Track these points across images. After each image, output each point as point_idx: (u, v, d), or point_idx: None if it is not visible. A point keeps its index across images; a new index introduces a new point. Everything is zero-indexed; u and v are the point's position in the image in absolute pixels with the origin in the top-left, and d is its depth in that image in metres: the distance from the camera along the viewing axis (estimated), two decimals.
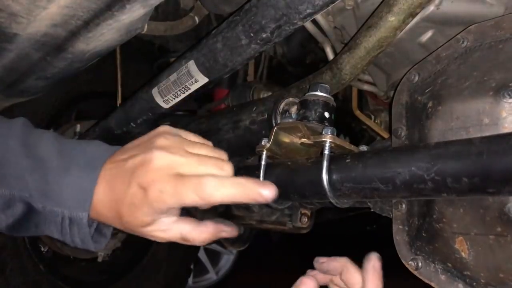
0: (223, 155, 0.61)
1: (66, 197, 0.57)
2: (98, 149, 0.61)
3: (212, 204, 0.55)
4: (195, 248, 2.13)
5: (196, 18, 1.18)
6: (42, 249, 1.57)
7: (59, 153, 0.59)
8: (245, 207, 1.14)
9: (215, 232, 0.60)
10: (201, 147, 0.60)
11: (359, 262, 0.67)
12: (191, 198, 0.54)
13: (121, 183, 0.56)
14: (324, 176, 0.63)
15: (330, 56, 1.09)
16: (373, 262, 0.61)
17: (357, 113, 1.30)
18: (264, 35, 0.69)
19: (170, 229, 0.59)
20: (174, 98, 0.88)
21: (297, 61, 1.46)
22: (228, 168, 0.58)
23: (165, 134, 0.59)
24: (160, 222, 0.58)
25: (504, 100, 0.58)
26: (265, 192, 0.54)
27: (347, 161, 0.63)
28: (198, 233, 0.59)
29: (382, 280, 0.61)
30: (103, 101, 1.63)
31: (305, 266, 0.67)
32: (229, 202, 0.55)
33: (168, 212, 0.57)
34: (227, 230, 0.61)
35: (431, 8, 0.85)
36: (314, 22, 1.06)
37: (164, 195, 0.54)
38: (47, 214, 0.58)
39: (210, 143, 0.63)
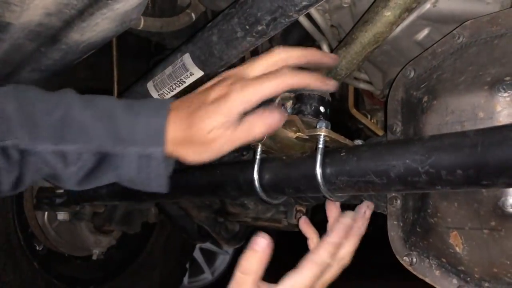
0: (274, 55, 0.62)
1: (140, 136, 0.61)
2: (157, 100, 0.68)
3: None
4: (191, 248, 2.12)
5: (193, 15, 1.17)
6: (37, 247, 1.56)
7: (123, 104, 0.63)
8: (241, 204, 1.13)
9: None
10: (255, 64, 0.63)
11: (355, 264, 0.67)
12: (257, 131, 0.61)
13: (191, 123, 0.60)
14: (318, 170, 0.63)
15: None
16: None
17: (354, 111, 1.30)
18: (259, 28, 0.69)
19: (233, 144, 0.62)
20: (169, 92, 0.88)
21: None
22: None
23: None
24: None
25: (499, 94, 0.58)
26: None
27: (341, 154, 0.63)
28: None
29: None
30: None
31: None
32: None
33: None
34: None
35: (428, 5, 0.85)
36: (311, 20, 1.06)
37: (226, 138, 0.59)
38: (124, 155, 0.62)
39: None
